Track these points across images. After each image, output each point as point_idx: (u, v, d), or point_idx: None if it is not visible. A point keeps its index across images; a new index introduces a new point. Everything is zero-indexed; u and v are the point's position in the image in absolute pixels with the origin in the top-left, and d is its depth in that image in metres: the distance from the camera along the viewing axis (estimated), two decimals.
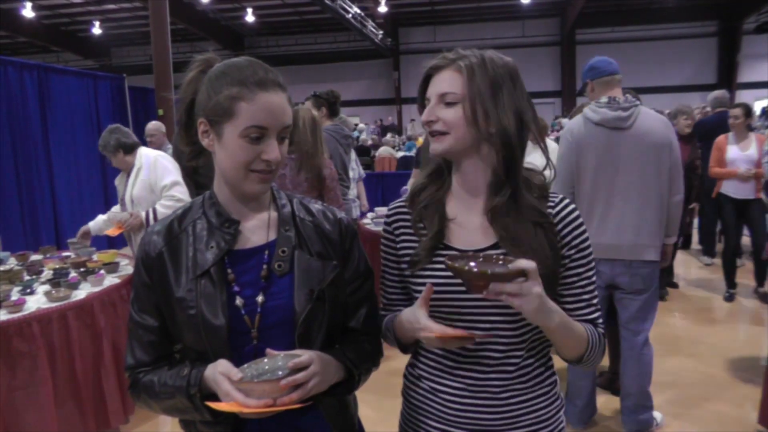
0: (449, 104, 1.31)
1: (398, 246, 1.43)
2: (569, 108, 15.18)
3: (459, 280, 1.24)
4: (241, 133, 1.21)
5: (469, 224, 1.37)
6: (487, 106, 1.29)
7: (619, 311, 3.29)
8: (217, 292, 1.26)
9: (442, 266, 1.32)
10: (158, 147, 5.71)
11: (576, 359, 1.37)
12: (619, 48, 18.68)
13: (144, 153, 4.26)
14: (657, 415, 3.46)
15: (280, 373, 1.17)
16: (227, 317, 1.25)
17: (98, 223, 4.42)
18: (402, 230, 1.43)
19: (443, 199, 1.41)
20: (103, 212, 4.72)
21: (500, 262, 1.22)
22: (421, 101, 1.39)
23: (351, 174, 5.65)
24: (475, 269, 1.14)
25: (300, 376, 1.17)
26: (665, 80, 18.66)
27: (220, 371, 1.18)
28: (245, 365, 1.20)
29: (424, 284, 1.32)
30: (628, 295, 3.21)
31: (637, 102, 3.15)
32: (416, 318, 1.26)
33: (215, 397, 1.20)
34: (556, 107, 19.71)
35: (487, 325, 1.30)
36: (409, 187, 5.02)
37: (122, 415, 3.56)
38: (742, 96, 17.18)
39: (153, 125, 6.48)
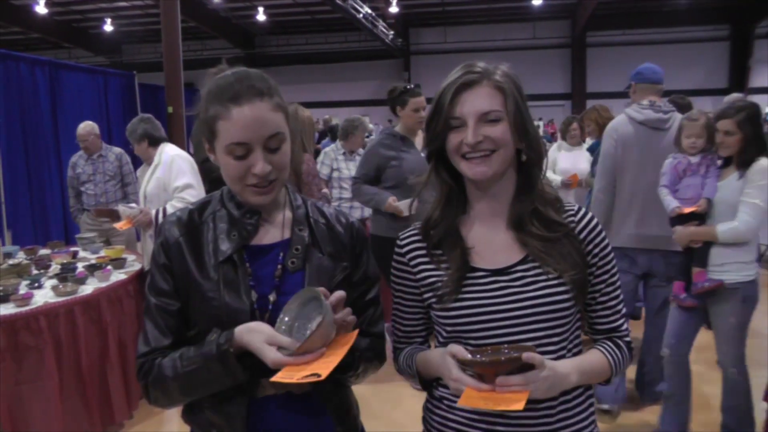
0: (493, 121, 1.26)
1: (418, 276, 1.39)
2: (579, 110, 15.15)
3: (489, 308, 1.28)
4: (225, 151, 1.23)
5: (493, 244, 1.34)
6: (525, 121, 1.28)
7: (650, 300, 3.66)
8: (239, 277, 1.28)
9: (470, 297, 1.31)
10: (94, 151, 5.51)
11: (604, 383, 1.40)
12: (629, 51, 18.57)
13: (165, 150, 4.20)
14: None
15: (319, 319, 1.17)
16: (250, 300, 1.26)
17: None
18: (418, 260, 1.40)
19: (460, 224, 1.38)
20: None
21: (506, 351, 1.24)
22: (445, 119, 1.29)
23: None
24: (487, 359, 1.20)
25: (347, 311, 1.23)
26: (676, 84, 18.49)
27: (266, 341, 1.17)
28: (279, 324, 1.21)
29: (451, 315, 1.32)
30: (661, 283, 3.55)
31: (674, 108, 3.54)
32: (447, 367, 1.25)
33: (248, 357, 1.21)
34: (566, 109, 19.63)
35: (531, 343, 1.28)
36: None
37: (126, 411, 3.59)
38: (755, 101, 17.07)
39: (85, 127, 5.54)
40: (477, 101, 1.26)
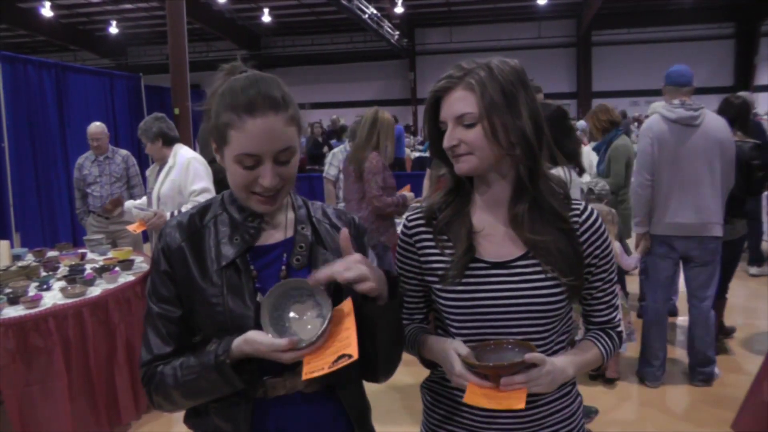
0: (468, 126, 1.28)
1: (421, 259, 1.42)
2: (585, 109, 15.10)
3: (489, 294, 1.31)
4: (234, 159, 1.22)
5: (496, 235, 1.36)
6: (505, 119, 1.27)
7: (688, 282, 3.99)
8: (243, 282, 1.27)
9: (472, 280, 1.33)
10: (104, 151, 5.48)
11: (594, 370, 1.45)
12: (635, 49, 18.59)
13: (180, 153, 4.19)
14: (716, 369, 4.05)
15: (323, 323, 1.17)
16: (255, 305, 1.25)
17: (129, 204, 4.47)
18: (424, 243, 1.41)
19: (468, 212, 1.39)
20: None
21: (509, 346, 1.28)
22: (434, 124, 1.36)
23: None
24: (491, 364, 1.23)
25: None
26: None
27: (265, 349, 1.16)
28: (268, 297, 1.20)
29: (453, 298, 1.34)
30: (698, 267, 3.89)
31: (703, 105, 3.79)
32: (450, 362, 1.28)
33: (249, 361, 1.21)
34: (572, 109, 19.61)
35: (518, 337, 1.32)
36: (425, 190, 4.82)
37: (134, 412, 3.60)
38: (760, 99, 17.01)
39: (97, 127, 5.49)
40: (452, 106, 1.30)
